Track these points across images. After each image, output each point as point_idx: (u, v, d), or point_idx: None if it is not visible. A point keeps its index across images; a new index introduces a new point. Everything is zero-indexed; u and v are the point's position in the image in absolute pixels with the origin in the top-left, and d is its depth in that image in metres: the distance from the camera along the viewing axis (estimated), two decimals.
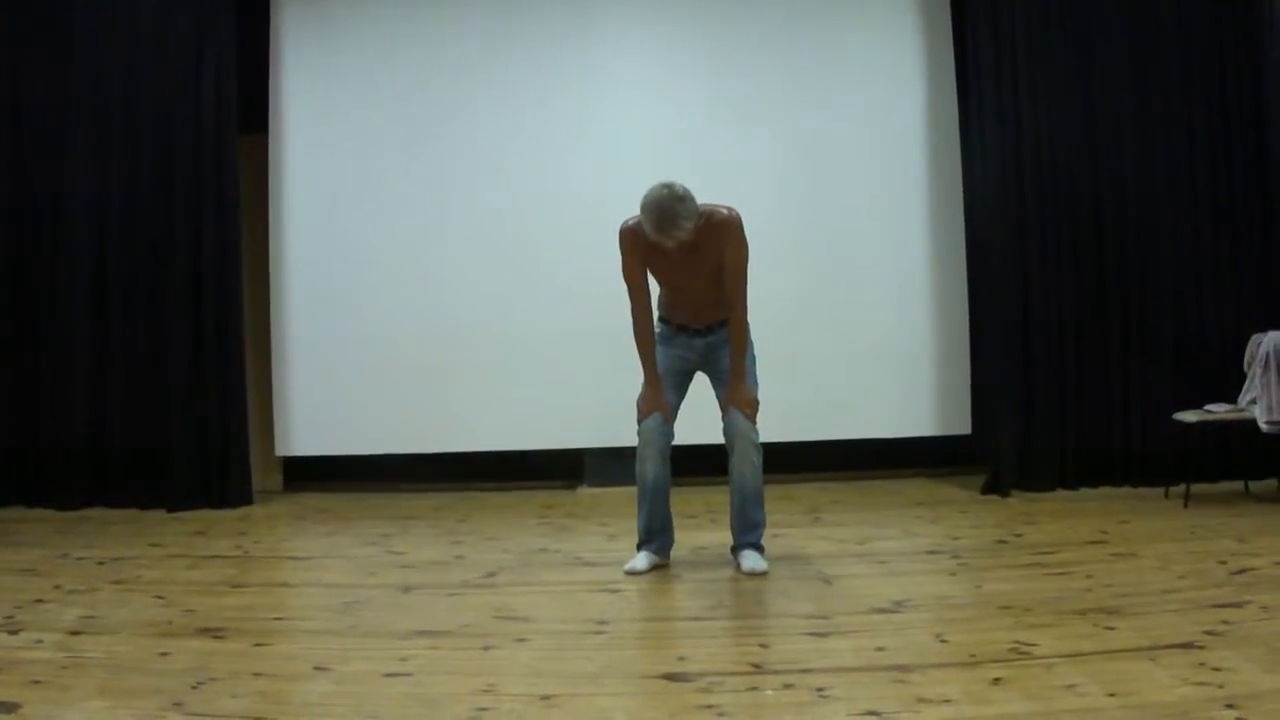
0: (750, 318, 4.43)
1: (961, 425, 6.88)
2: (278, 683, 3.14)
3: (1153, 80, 6.49)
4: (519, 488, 6.94)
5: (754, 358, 4.51)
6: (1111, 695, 2.81)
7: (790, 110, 6.91)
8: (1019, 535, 5.14)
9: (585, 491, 6.80)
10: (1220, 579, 4.09)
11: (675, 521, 4.63)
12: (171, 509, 6.29)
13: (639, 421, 4.49)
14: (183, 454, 6.40)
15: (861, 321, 6.83)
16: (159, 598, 4.17)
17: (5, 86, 6.53)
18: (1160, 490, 6.11)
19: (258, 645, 3.52)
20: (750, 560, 4.44)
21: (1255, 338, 5.92)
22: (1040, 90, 6.48)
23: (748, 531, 4.51)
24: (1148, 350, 6.45)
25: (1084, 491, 6.35)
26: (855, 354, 6.80)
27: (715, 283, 4.37)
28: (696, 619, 3.82)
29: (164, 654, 3.40)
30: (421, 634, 3.63)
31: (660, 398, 4.46)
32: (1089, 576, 4.18)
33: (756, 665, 3.20)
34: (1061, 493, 6.33)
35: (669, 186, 4.09)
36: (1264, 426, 5.65)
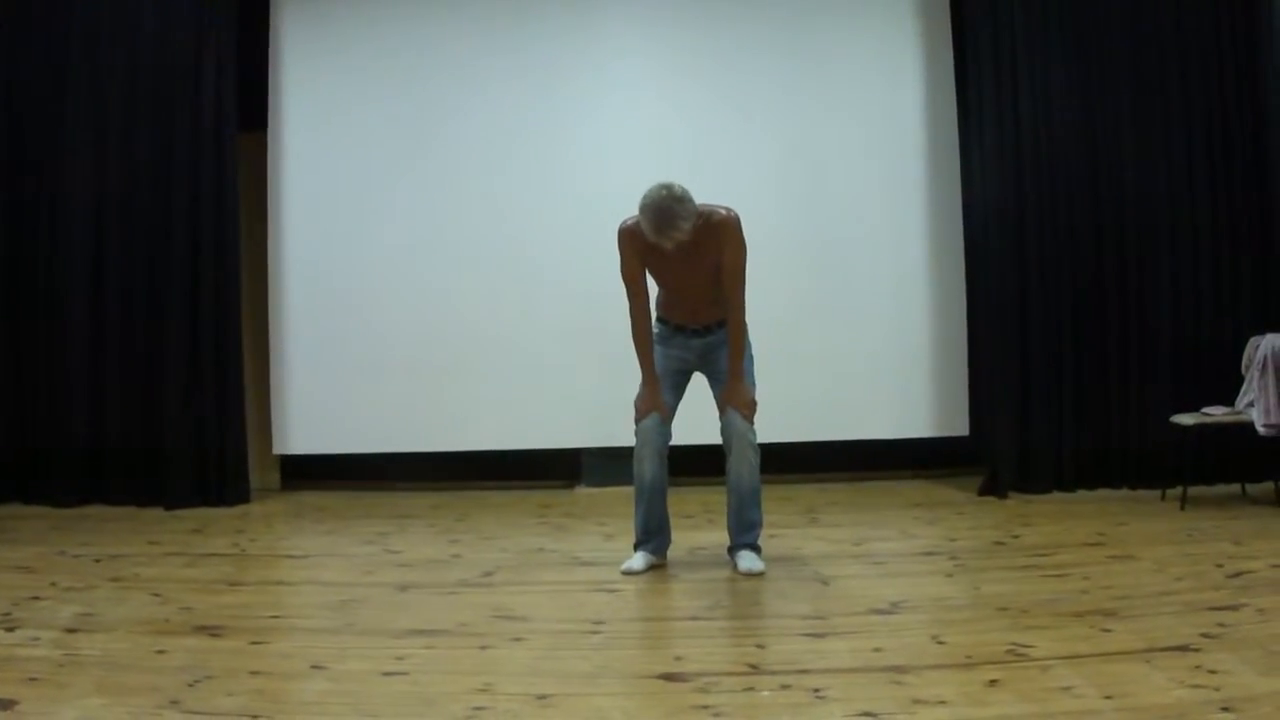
0: (748, 318, 4.44)
1: (959, 426, 6.88)
2: (274, 681, 3.14)
3: (1152, 82, 6.49)
4: (516, 487, 6.94)
5: (752, 358, 4.51)
6: (1108, 697, 2.81)
7: (789, 110, 6.91)
8: (1016, 537, 5.14)
9: (583, 491, 6.80)
10: (1217, 581, 4.09)
11: (672, 521, 4.63)
12: (169, 507, 6.29)
13: (636, 421, 4.49)
14: (180, 452, 6.40)
15: (859, 322, 6.84)
16: (156, 595, 4.17)
17: (4, 86, 6.53)
18: (1157, 492, 6.11)
19: (254, 643, 3.52)
20: (747, 560, 4.44)
21: (1253, 340, 5.92)
22: (1039, 92, 6.48)
23: (745, 532, 4.51)
24: (1145, 352, 6.45)
25: (1081, 493, 6.35)
26: (853, 355, 6.80)
27: (713, 283, 4.37)
28: (693, 619, 3.82)
29: (161, 652, 3.40)
30: (418, 633, 3.63)
31: (658, 398, 4.46)
32: (1086, 578, 4.19)
33: (753, 666, 3.20)
34: (1059, 494, 6.33)
35: (667, 187, 4.09)
36: (1261, 429, 5.65)
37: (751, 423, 4.44)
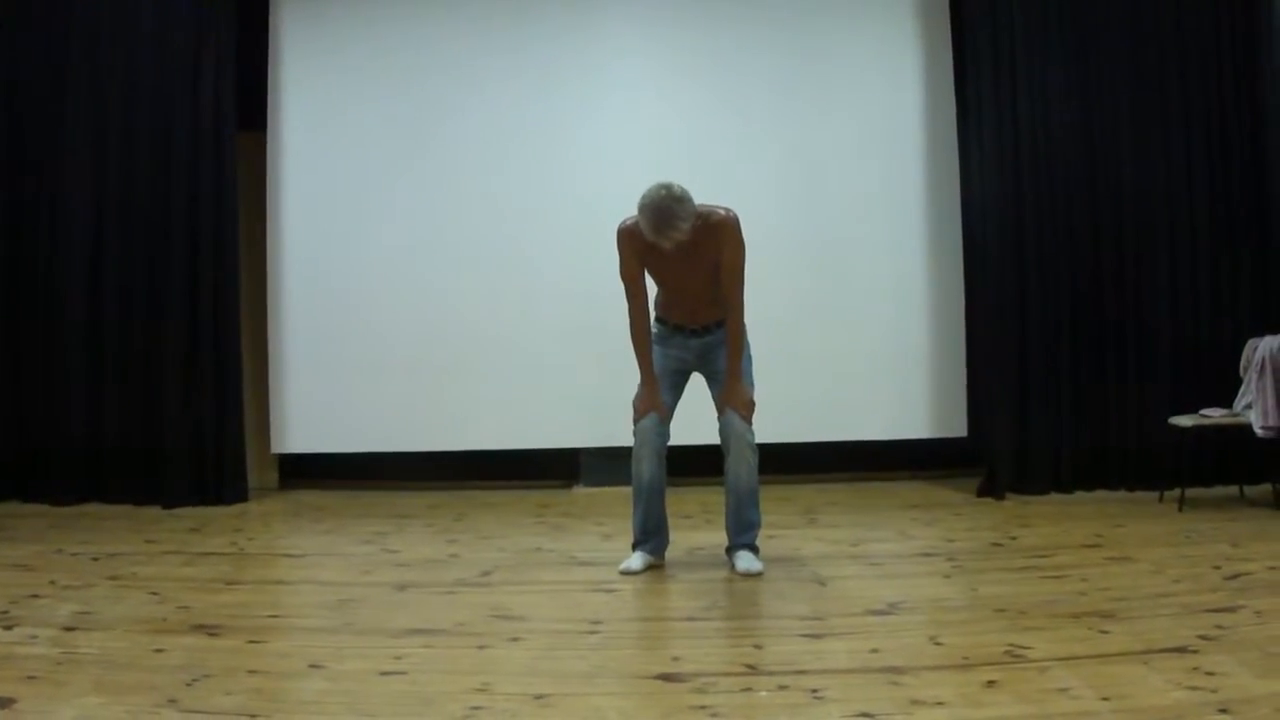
0: (747, 318, 4.44)
1: (957, 428, 6.88)
2: (272, 680, 3.14)
3: (1150, 82, 6.49)
4: (515, 487, 6.94)
5: (750, 358, 4.52)
6: (1105, 699, 2.81)
7: (788, 110, 6.91)
8: (1014, 538, 5.14)
9: (581, 491, 6.80)
10: (1214, 583, 4.10)
11: (670, 522, 4.63)
12: (167, 505, 6.29)
13: (635, 421, 4.49)
14: (179, 451, 6.40)
15: (858, 323, 6.84)
16: (154, 594, 4.17)
17: (4, 86, 6.53)
18: (1155, 494, 6.11)
19: (252, 642, 3.52)
20: (745, 561, 4.44)
21: (1251, 342, 5.92)
22: (1038, 92, 6.48)
23: (743, 532, 4.51)
24: (1144, 354, 6.46)
25: (1079, 495, 6.36)
26: (851, 355, 6.80)
27: (712, 283, 4.38)
28: (691, 619, 3.82)
29: (159, 650, 3.40)
30: (416, 632, 3.63)
31: (656, 398, 4.46)
32: (1083, 580, 4.19)
33: (751, 666, 3.21)
34: (1057, 496, 6.34)
35: (667, 187, 4.10)
36: (1259, 431, 5.66)
37: (750, 423, 4.44)
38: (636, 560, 4.50)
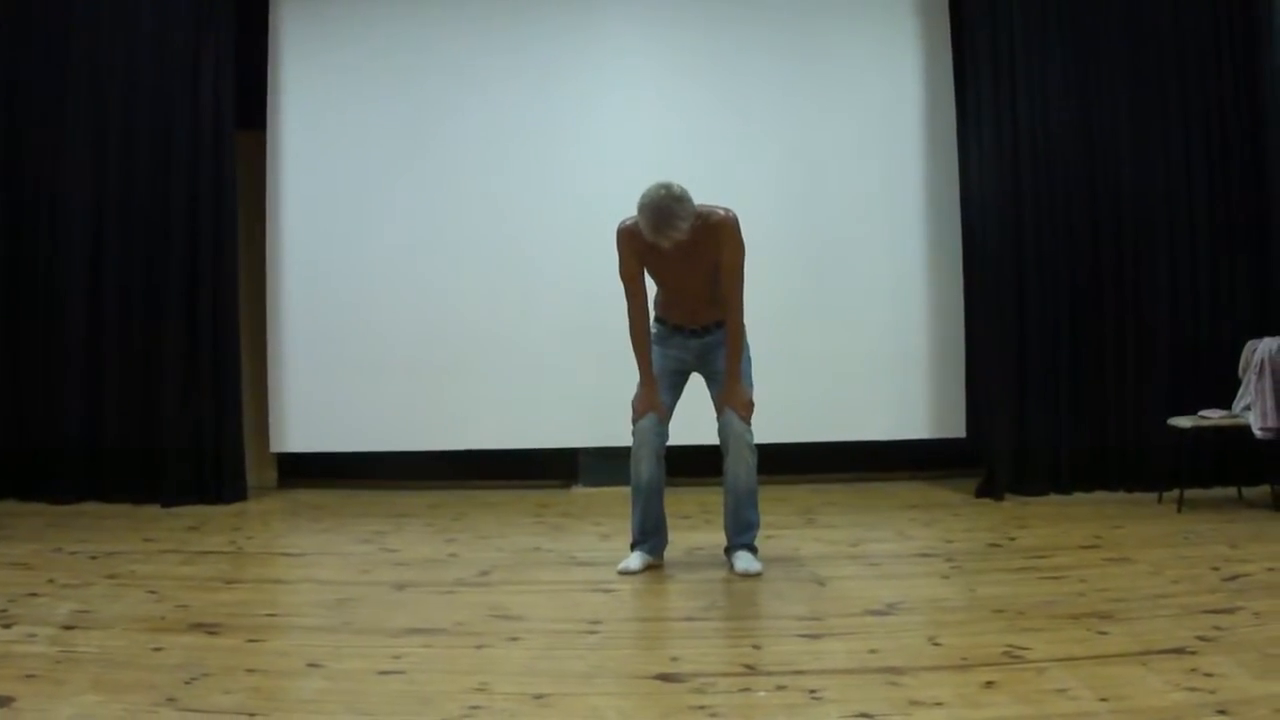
0: (746, 319, 4.44)
1: (956, 428, 6.88)
2: (270, 679, 3.14)
3: (1150, 82, 6.49)
4: (513, 486, 6.94)
5: (749, 359, 4.51)
6: (1103, 700, 2.81)
7: (787, 110, 6.91)
8: (1012, 539, 5.14)
9: (579, 491, 6.80)
10: (1213, 584, 4.10)
11: (669, 522, 4.63)
12: (166, 504, 6.28)
13: (634, 421, 4.50)
14: (178, 449, 6.39)
15: (857, 323, 6.84)
16: (152, 593, 4.17)
17: (3, 85, 6.52)
18: (1154, 495, 6.11)
19: (251, 641, 3.52)
20: (744, 561, 4.44)
21: (1250, 344, 5.92)
22: (1038, 92, 6.48)
23: (742, 532, 4.52)
24: (1143, 354, 6.46)
25: (1078, 496, 6.36)
26: (850, 356, 6.80)
27: (712, 283, 4.38)
28: (690, 619, 3.82)
29: (157, 649, 3.40)
30: (414, 632, 3.63)
31: (655, 398, 4.46)
32: (1082, 581, 4.19)
33: (749, 666, 3.21)
34: (1055, 497, 6.34)
35: (666, 186, 4.10)
36: (1258, 433, 5.66)
37: (749, 423, 4.44)
38: (635, 560, 4.50)
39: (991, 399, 6.51)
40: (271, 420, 6.87)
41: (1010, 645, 3.33)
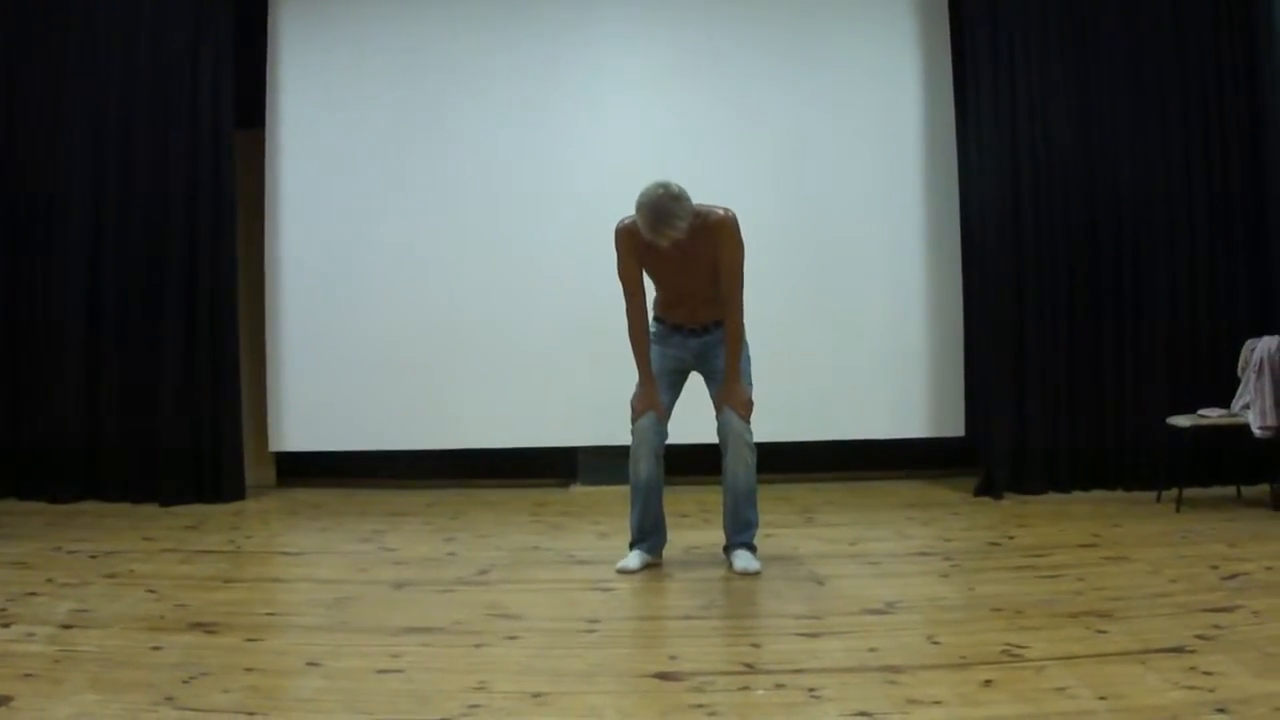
0: (745, 318, 4.44)
1: (955, 427, 6.88)
2: (269, 678, 3.14)
3: (1149, 82, 6.49)
4: (512, 485, 6.94)
5: (749, 358, 4.51)
6: (1102, 698, 2.81)
7: (786, 110, 6.90)
8: (1011, 538, 5.15)
9: (578, 490, 6.79)
10: (1211, 583, 4.10)
11: (668, 521, 4.63)
12: (164, 503, 6.28)
13: (633, 420, 4.50)
14: (176, 448, 6.39)
15: (856, 322, 6.84)
16: (151, 592, 4.16)
17: (2, 83, 6.51)
18: (1152, 494, 6.11)
19: (249, 640, 3.52)
20: (743, 560, 4.44)
21: (1249, 343, 5.93)
22: (1037, 92, 6.48)
23: (740, 531, 4.52)
24: (1141, 354, 6.46)
25: (1076, 495, 6.36)
26: (850, 355, 6.80)
27: (711, 283, 4.38)
28: (688, 618, 3.82)
29: (156, 648, 3.40)
30: (413, 630, 3.63)
31: (654, 397, 4.46)
32: (1081, 579, 4.19)
33: (748, 665, 3.21)
34: (1054, 496, 6.34)
35: (665, 185, 4.10)
36: (1257, 432, 5.66)
37: (748, 422, 4.44)
38: (634, 559, 4.50)
39: (990, 398, 6.51)
40: (270, 419, 6.87)
41: (1009, 644, 3.33)
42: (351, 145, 6.89)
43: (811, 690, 2.95)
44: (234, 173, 6.59)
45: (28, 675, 3.11)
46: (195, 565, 4.72)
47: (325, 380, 6.83)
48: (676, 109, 6.87)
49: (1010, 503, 6.16)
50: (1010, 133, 6.47)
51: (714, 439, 4.50)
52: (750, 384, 4.49)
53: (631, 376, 4.50)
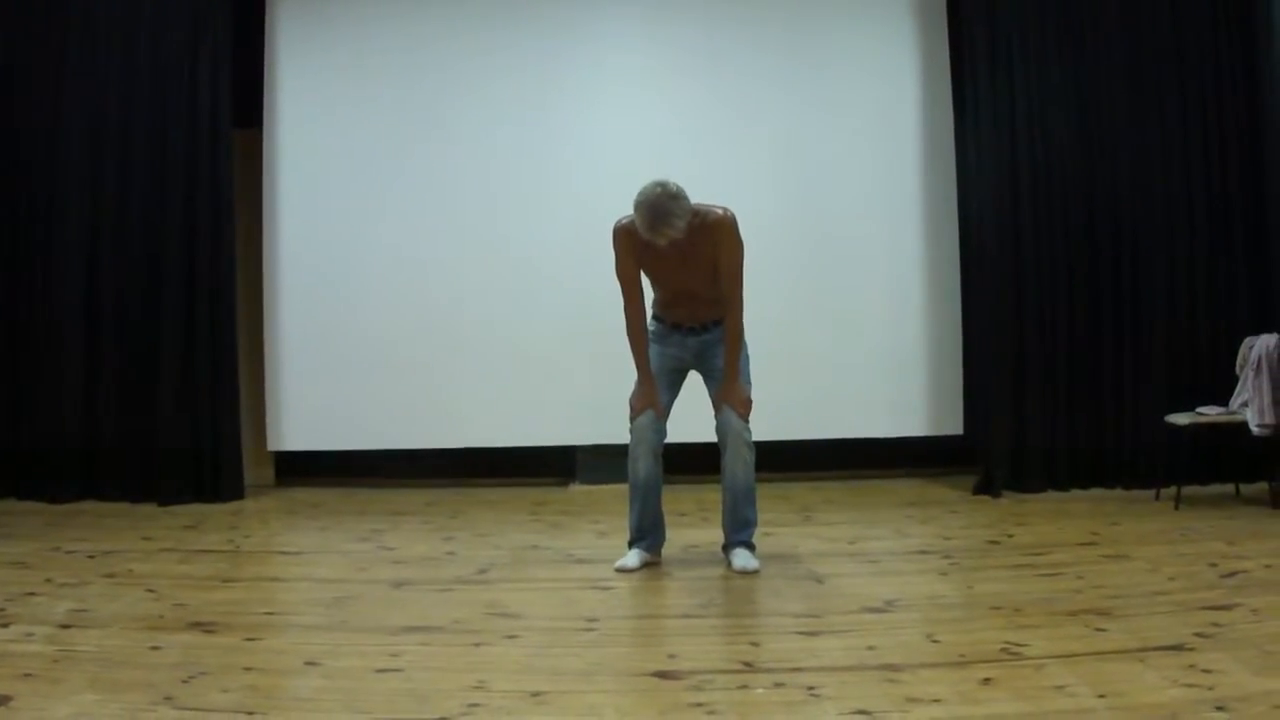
0: (745, 317, 4.43)
1: (953, 426, 6.89)
2: (268, 677, 3.14)
3: (1148, 82, 6.48)
4: (511, 484, 6.94)
5: (747, 357, 4.51)
6: (1101, 696, 2.81)
7: (785, 109, 6.90)
8: (1010, 536, 5.15)
9: (577, 488, 6.79)
10: (1210, 581, 4.10)
11: (667, 519, 4.63)
12: (163, 503, 6.28)
13: (631, 419, 4.50)
14: (175, 448, 6.38)
15: (855, 321, 6.84)
16: (150, 591, 4.16)
17: (1, 82, 6.51)
18: (1151, 492, 6.11)
19: (248, 640, 3.52)
20: (741, 558, 4.44)
21: (1247, 340, 5.93)
22: (1035, 91, 6.48)
23: (739, 530, 4.52)
24: (1140, 352, 6.46)
25: (1075, 493, 6.36)
26: (848, 354, 6.80)
27: (709, 282, 4.38)
28: (687, 617, 3.82)
29: (155, 648, 3.40)
30: (412, 630, 3.63)
31: (653, 396, 4.46)
32: (1080, 578, 4.19)
33: (747, 663, 3.21)
34: (1053, 494, 6.34)
35: (663, 185, 4.10)
36: (1255, 429, 5.67)
37: (747, 421, 4.44)
38: (633, 558, 4.50)
39: (989, 396, 6.51)
40: (269, 418, 6.87)
41: (1008, 642, 3.33)
42: (350, 144, 6.89)
43: (811, 689, 2.95)
44: (232, 172, 6.59)
45: (27, 675, 3.10)
46: (194, 565, 4.72)
47: (324, 379, 6.83)
48: (675, 108, 6.87)
49: (1009, 501, 6.16)
50: (1009, 132, 6.46)
51: (713, 438, 4.50)
52: (749, 383, 4.49)
53: (630, 375, 4.50)
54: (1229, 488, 6.22)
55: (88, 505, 6.28)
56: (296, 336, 6.87)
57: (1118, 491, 6.36)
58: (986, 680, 2.98)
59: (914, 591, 4.10)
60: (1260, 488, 6.05)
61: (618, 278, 4.41)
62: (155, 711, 2.82)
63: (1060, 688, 2.89)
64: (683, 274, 4.37)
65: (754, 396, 4.48)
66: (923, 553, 4.92)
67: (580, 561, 4.73)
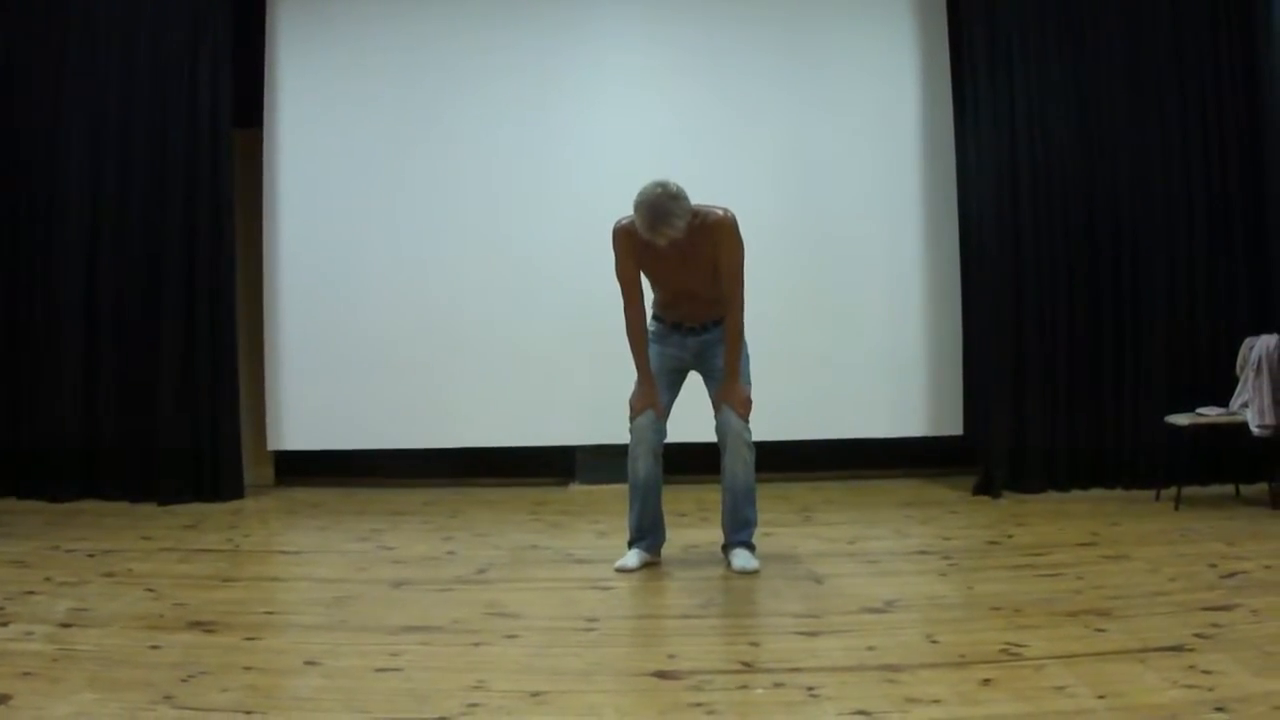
0: (744, 316, 4.43)
1: (953, 426, 6.88)
2: (268, 677, 3.14)
3: (1148, 82, 6.48)
4: (511, 484, 6.94)
5: (747, 357, 4.51)
6: (1101, 697, 2.81)
7: (785, 109, 6.90)
8: (1010, 536, 5.15)
9: (577, 488, 6.79)
10: (1210, 582, 4.10)
11: (666, 519, 4.63)
12: (163, 502, 6.28)
13: (631, 419, 4.50)
14: (175, 448, 6.38)
15: (855, 321, 6.84)
16: (150, 591, 4.16)
17: (1, 82, 6.51)
18: (1151, 493, 6.11)
19: (248, 639, 3.52)
20: (741, 559, 4.44)
21: (1247, 341, 5.93)
22: (1035, 91, 6.48)
23: (739, 530, 4.51)
24: (1140, 352, 6.46)
25: (1075, 493, 6.36)
26: (848, 354, 6.80)
27: (709, 282, 4.38)
28: (687, 617, 3.82)
29: (154, 647, 3.39)
30: (412, 629, 3.63)
31: (653, 395, 4.46)
32: (1079, 578, 4.19)
33: (747, 664, 3.21)
34: (1052, 494, 6.34)
35: (663, 185, 4.10)
36: (1255, 430, 5.67)
37: (747, 421, 4.44)
38: (632, 558, 4.50)
39: (989, 396, 6.51)
40: (269, 418, 6.87)
41: (1008, 643, 3.33)
42: (350, 144, 6.89)
43: (810, 689, 2.95)
44: (232, 172, 6.59)
45: (26, 674, 3.10)
46: (194, 564, 4.72)
47: (324, 379, 6.83)
48: (675, 108, 6.86)
49: (1009, 501, 6.16)
50: (1009, 131, 6.46)
51: (712, 438, 4.50)
52: (749, 383, 4.49)
53: (630, 375, 4.50)
54: (1229, 488, 6.22)
55: (88, 505, 6.28)
56: (296, 336, 6.87)
57: (1118, 492, 6.36)
58: (986, 681, 2.98)
59: (914, 592, 4.10)
60: (1260, 488, 6.05)
61: (617, 278, 4.41)
62: (155, 711, 2.81)
63: (1060, 688, 2.89)
64: (682, 274, 4.36)
65: (754, 396, 4.48)
66: (922, 553, 4.92)
67: (580, 561, 4.73)
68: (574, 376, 6.68)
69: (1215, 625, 3.46)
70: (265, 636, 3.57)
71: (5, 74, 6.51)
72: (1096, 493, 6.36)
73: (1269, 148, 6.38)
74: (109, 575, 4.45)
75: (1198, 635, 3.34)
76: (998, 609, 3.75)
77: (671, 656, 3.30)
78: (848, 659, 3.23)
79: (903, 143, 6.92)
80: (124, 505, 6.27)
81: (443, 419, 6.83)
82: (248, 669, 3.19)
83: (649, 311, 4.55)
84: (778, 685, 2.99)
